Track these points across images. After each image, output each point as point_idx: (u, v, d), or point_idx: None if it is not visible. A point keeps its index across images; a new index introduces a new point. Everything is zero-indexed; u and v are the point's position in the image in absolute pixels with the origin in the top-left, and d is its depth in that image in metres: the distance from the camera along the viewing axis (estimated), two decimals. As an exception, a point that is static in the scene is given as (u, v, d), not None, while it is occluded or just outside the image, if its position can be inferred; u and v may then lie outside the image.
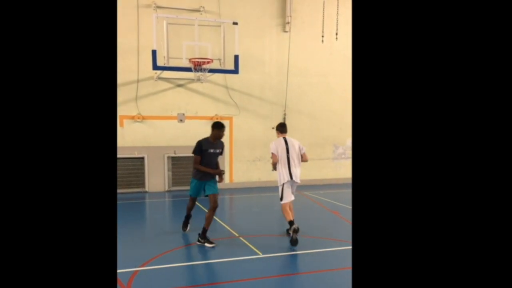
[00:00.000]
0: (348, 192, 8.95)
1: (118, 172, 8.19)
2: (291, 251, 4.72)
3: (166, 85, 9.23)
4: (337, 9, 8.31)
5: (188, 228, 5.82)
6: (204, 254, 4.71)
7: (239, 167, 9.91)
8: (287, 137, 5.48)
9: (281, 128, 5.58)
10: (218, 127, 5.25)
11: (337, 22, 8.37)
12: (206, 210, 7.32)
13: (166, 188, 9.40)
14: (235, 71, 8.24)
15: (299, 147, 5.45)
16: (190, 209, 5.75)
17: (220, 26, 8.23)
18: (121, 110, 8.76)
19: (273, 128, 10.45)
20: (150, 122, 9.19)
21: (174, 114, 9.30)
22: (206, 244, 5.00)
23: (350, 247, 4.68)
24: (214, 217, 6.81)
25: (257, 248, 4.89)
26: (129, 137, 8.99)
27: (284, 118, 9.69)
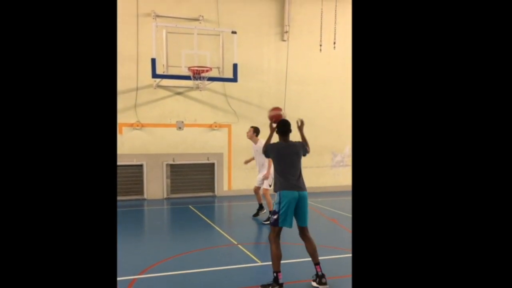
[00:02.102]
0: (346, 199, 8.97)
1: (117, 179, 8.19)
2: (289, 259, 4.73)
3: (165, 93, 9.28)
4: (335, 18, 8.40)
5: None
6: (203, 262, 4.72)
7: (238, 174, 9.93)
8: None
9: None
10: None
11: (335, 31, 8.47)
12: (208, 221, 7.31)
13: (165, 196, 9.40)
14: (234, 79, 8.30)
15: None
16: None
17: (219, 35, 8.30)
18: (120, 118, 8.79)
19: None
20: (149, 130, 9.22)
21: (173, 121, 9.33)
22: None
23: (349, 255, 4.70)
24: (213, 224, 6.84)
25: (255, 256, 4.90)
26: (128, 144, 9.01)
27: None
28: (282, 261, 3.88)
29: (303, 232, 3.98)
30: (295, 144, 4.12)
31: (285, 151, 4.01)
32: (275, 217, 3.87)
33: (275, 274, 3.82)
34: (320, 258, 3.99)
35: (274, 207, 3.92)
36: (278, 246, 3.85)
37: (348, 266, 4.36)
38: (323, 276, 3.87)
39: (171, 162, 9.39)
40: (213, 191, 9.77)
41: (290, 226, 3.87)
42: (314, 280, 3.94)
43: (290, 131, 4.17)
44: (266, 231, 6.35)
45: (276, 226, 3.87)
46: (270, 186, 6.64)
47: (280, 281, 3.79)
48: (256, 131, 6.71)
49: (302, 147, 4.11)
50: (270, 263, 3.95)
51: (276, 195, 3.93)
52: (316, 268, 3.92)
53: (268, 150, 4.10)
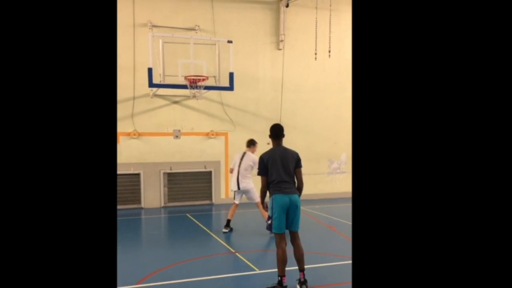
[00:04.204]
0: (343, 206, 9.00)
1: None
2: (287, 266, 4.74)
3: (162, 102, 9.32)
4: (329, 27, 8.51)
5: None
6: (201, 270, 4.72)
7: (235, 182, 9.93)
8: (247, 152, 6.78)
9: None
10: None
11: (329, 40, 8.57)
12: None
13: (162, 204, 9.39)
14: (230, 88, 8.36)
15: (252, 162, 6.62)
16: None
17: (215, 44, 8.38)
18: (117, 127, 8.81)
19: (268, 143, 10.60)
20: (146, 139, 9.25)
21: (170, 130, 9.37)
22: None
23: (347, 262, 4.72)
24: (211, 232, 6.84)
25: (253, 264, 4.91)
26: (125, 153, 9.03)
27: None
28: (286, 268, 3.94)
29: (294, 238, 4.01)
30: (290, 150, 4.10)
31: (280, 156, 3.97)
32: (269, 222, 3.98)
33: (279, 278, 3.90)
34: (318, 265, 4.03)
35: (268, 212, 4.01)
36: (284, 250, 3.88)
37: (346, 273, 4.38)
38: (305, 282, 3.95)
39: (168, 171, 9.40)
40: (211, 199, 9.78)
41: (284, 231, 3.93)
42: (298, 284, 4.04)
43: (283, 135, 4.15)
44: (264, 239, 6.36)
45: (270, 231, 3.97)
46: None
47: (284, 284, 3.86)
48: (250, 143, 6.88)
49: (297, 159, 4.05)
50: (268, 270, 3.97)
51: (270, 200, 4.00)
52: (300, 274, 3.99)
53: (261, 164, 3.98)
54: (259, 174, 4.01)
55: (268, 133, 4.21)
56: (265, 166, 3.94)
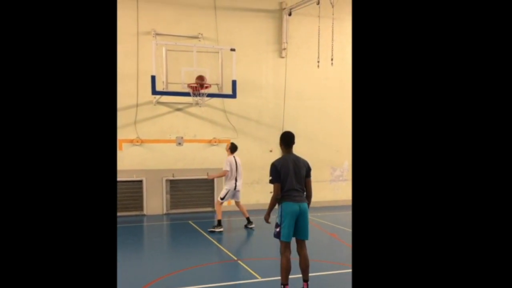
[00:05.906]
0: (346, 214, 8.96)
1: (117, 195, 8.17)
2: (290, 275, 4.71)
3: (165, 109, 9.37)
4: (332, 35, 8.55)
5: None
6: (203, 278, 4.70)
7: (237, 190, 9.91)
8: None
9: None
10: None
11: (332, 48, 8.60)
12: (206, 234, 7.29)
13: (165, 211, 9.39)
14: (233, 95, 8.39)
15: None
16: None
17: (218, 52, 8.43)
18: (120, 134, 8.85)
19: (270, 151, 10.62)
20: (149, 146, 9.27)
21: (173, 137, 9.40)
22: None
23: (349, 270, 4.69)
24: (213, 240, 6.83)
25: (256, 272, 4.88)
26: (128, 160, 9.05)
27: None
28: (289, 276, 3.90)
29: (301, 247, 3.98)
30: (302, 159, 4.08)
31: (293, 164, 3.93)
32: (278, 229, 3.92)
33: (282, 286, 3.87)
34: (320, 273, 4.01)
35: (277, 220, 3.97)
36: (288, 259, 3.87)
37: (349, 281, 4.35)
38: None
39: (171, 178, 9.41)
40: (213, 206, 9.75)
41: (291, 239, 3.90)
42: None
43: (294, 142, 4.12)
44: (266, 247, 6.34)
45: (278, 239, 3.93)
46: (221, 199, 7.49)
47: None
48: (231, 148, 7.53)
49: (307, 169, 4.04)
50: (270, 278, 3.96)
51: (278, 207, 3.96)
52: (303, 284, 3.96)
53: (273, 172, 3.89)
54: (271, 181, 3.94)
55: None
56: (278, 174, 3.89)
